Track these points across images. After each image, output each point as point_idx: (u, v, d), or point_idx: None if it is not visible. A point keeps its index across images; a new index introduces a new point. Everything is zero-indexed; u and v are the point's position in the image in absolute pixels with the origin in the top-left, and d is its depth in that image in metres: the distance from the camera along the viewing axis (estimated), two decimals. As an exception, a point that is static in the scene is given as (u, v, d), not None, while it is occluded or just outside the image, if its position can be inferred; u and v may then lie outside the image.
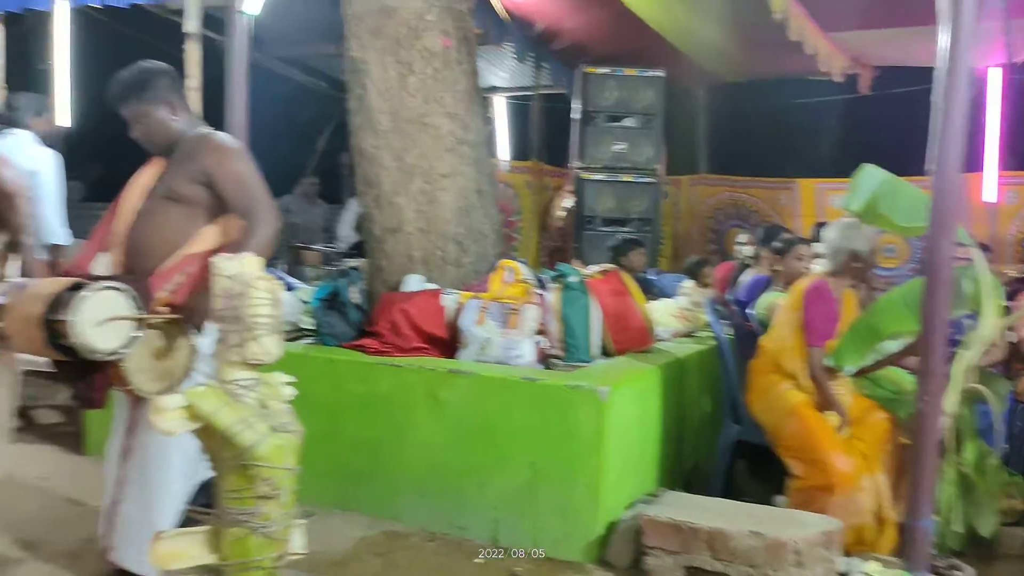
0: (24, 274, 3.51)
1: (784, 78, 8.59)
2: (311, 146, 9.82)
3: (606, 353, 3.88)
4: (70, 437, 4.51)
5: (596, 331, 3.82)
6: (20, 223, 3.52)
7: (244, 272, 2.22)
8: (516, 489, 3.32)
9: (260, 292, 2.21)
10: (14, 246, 3.55)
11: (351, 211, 7.25)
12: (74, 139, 7.96)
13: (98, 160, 8.91)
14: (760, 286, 4.61)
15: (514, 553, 3.26)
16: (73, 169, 8.41)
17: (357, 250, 6.22)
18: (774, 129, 9.82)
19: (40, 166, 4.45)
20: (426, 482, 3.50)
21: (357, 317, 4.00)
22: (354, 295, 4.06)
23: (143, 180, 2.86)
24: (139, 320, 2.54)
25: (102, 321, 2.49)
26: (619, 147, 7.37)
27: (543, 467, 3.28)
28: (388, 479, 3.58)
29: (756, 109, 9.52)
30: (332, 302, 4.00)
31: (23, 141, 4.53)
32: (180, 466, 2.74)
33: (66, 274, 2.74)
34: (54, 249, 4.40)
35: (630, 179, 7.39)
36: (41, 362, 4.13)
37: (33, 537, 3.29)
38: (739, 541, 2.90)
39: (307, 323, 4.15)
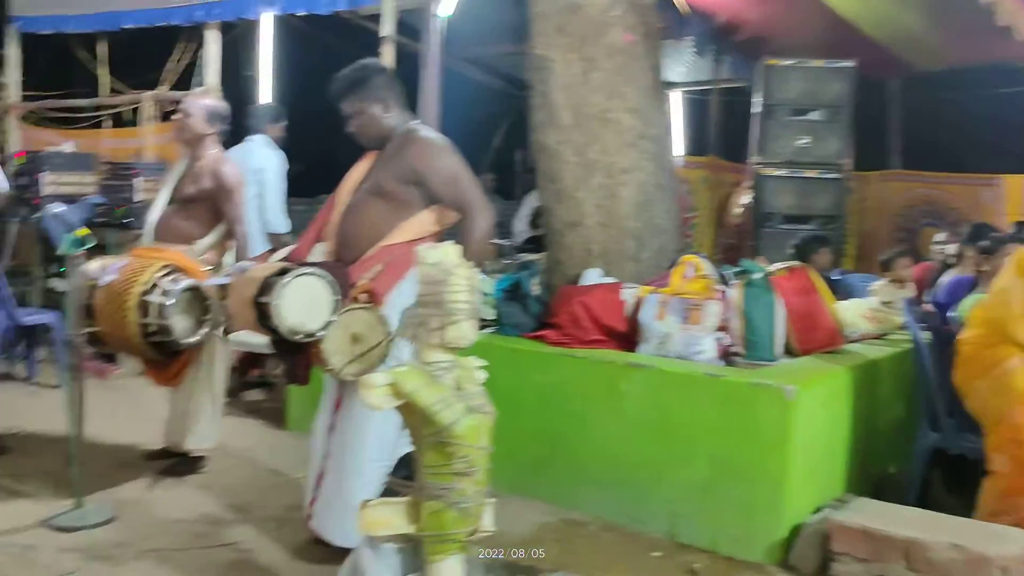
0: (238, 259, 3.85)
1: (987, 66, 7.98)
2: (488, 144, 10.08)
3: (790, 353, 3.77)
4: (272, 413, 4.88)
5: (780, 329, 3.72)
6: (236, 214, 3.85)
7: (445, 260, 2.33)
8: (695, 485, 3.29)
9: (459, 279, 2.31)
10: (230, 234, 3.89)
11: (527, 207, 7.39)
12: (240, 136, 8.60)
13: (295, 159, 9.53)
14: (963, 287, 4.33)
15: (692, 549, 3.24)
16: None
17: (531, 245, 6.35)
18: (975, 121, 9.12)
19: (267, 165, 5.23)
20: (604, 473, 3.53)
21: (537, 308, 4.09)
22: (535, 287, 4.15)
23: (357, 174, 3.05)
24: (336, 305, 2.73)
25: (301, 305, 2.71)
26: (803, 142, 7.09)
27: (724, 464, 3.23)
28: (566, 468, 3.64)
29: (955, 100, 8.89)
30: (513, 293, 4.12)
31: (257, 144, 5.30)
32: (374, 447, 2.92)
33: (283, 260, 2.97)
34: (275, 238, 4.97)
35: (814, 175, 7.09)
36: (251, 343, 4.51)
37: (243, 502, 3.59)
38: (938, 553, 2.75)
39: (488, 313, 4.29)
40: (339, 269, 2.86)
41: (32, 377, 5.47)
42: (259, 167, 5.26)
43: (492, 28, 7.29)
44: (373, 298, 2.81)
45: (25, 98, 7.11)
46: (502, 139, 10.08)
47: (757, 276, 3.78)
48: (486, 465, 2.32)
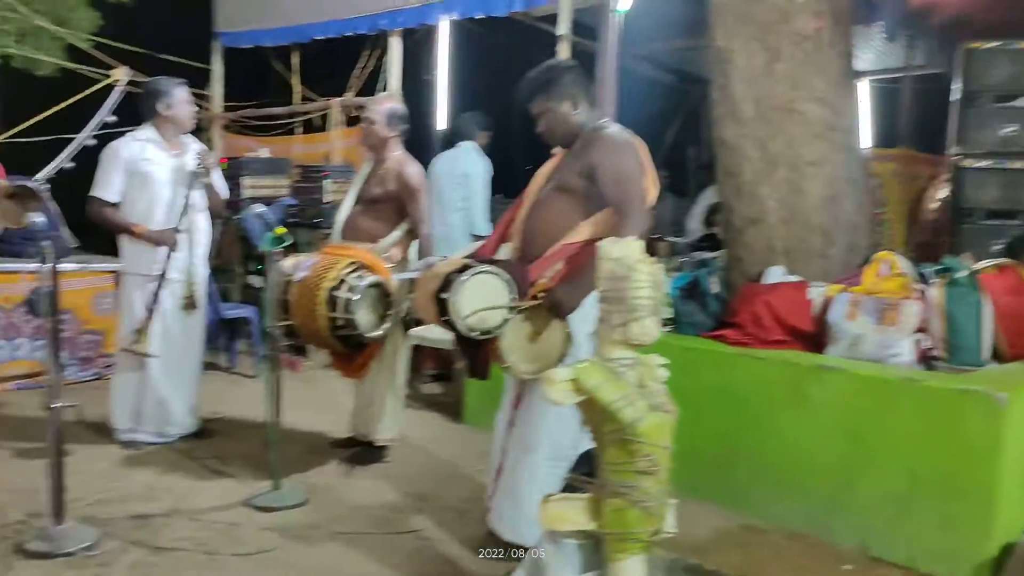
0: (421, 256, 3.98)
1: None
2: (659, 140, 9.92)
3: (997, 357, 3.47)
4: (450, 406, 5.02)
5: (988, 331, 3.42)
6: (419, 214, 3.98)
7: (628, 255, 2.30)
8: (890, 496, 3.09)
9: (642, 275, 2.27)
10: (413, 232, 4.03)
11: (701, 204, 7.22)
12: (451, 142, 8.86)
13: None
14: None
15: (886, 564, 3.04)
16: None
17: (706, 242, 6.19)
18: None
19: (473, 171, 5.65)
20: (787, 479, 3.39)
21: (716, 307, 3.98)
22: (713, 285, 4.04)
23: (544, 172, 3.07)
24: (512, 303, 2.75)
25: (478, 301, 2.75)
26: (1009, 130, 6.49)
27: (923, 475, 3.02)
28: (746, 472, 3.51)
29: None
30: (691, 291, 4.02)
31: (464, 150, 5.74)
32: (551, 445, 2.92)
33: (468, 258, 3.02)
34: (478, 239, 5.21)
35: (1021, 166, 6.49)
36: (432, 338, 4.65)
37: (423, 492, 3.71)
38: None
39: (665, 312, 4.21)
40: (518, 267, 2.88)
41: (233, 367, 5.89)
42: (466, 172, 5.70)
43: (665, 23, 7.15)
44: (550, 297, 2.81)
45: (226, 108, 7.68)
46: (675, 135, 9.89)
47: (962, 274, 3.50)
48: (669, 464, 2.27)
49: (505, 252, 3.07)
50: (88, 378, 5.33)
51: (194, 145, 4.25)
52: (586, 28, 6.08)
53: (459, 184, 5.71)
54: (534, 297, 2.81)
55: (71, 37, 7.10)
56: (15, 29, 6.95)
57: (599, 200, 2.85)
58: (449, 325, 2.85)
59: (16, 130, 6.06)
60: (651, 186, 2.88)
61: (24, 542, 3.02)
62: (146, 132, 4.15)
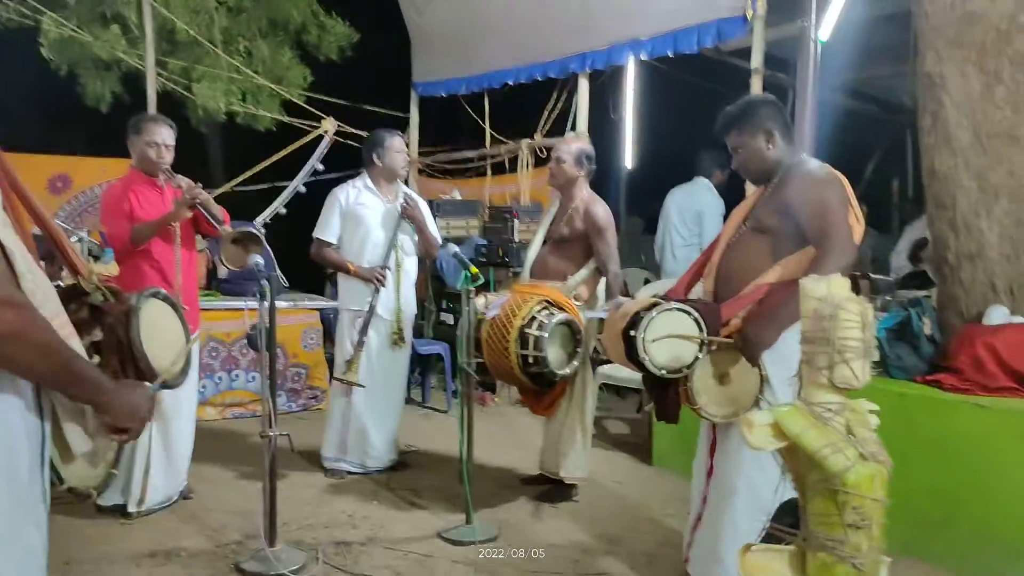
0: (608, 296, 3.97)
1: None
2: (859, 173, 9.43)
3: None
4: (637, 447, 4.94)
5: None
6: (607, 253, 3.97)
7: (833, 293, 2.17)
8: None
9: (850, 314, 2.14)
10: (601, 271, 4.03)
11: (906, 239, 6.78)
12: (636, 179, 8.84)
13: (658, 195, 9.70)
14: None
15: None
16: (635, 205, 9.35)
17: (912, 280, 5.78)
18: None
19: (707, 210, 5.72)
20: (1016, 541, 3.06)
21: (929, 350, 3.69)
22: (926, 326, 3.75)
23: (740, 211, 2.98)
24: (700, 343, 2.67)
25: (666, 340, 2.68)
26: None
27: None
28: (968, 531, 3.21)
29: None
30: (901, 333, 3.75)
31: (700, 187, 5.82)
32: (750, 495, 2.78)
33: (663, 298, 2.96)
34: None
35: None
36: (618, 376, 4.62)
37: (613, 534, 3.65)
38: None
39: (872, 354, 3.95)
40: (710, 306, 2.80)
41: (426, 401, 6.11)
42: (700, 210, 5.77)
43: (863, 50, 6.83)
44: (741, 338, 2.71)
45: (420, 153, 8.07)
46: (875, 167, 9.38)
47: None
48: (882, 519, 2.10)
49: (698, 293, 3.00)
50: (295, 409, 5.70)
51: (405, 190, 4.49)
52: (777, 60, 5.89)
53: (692, 220, 5.77)
54: (727, 336, 2.72)
55: (286, 93, 7.73)
56: (239, 89, 7.66)
57: (796, 239, 2.72)
58: (638, 364, 2.80)
59: (238, 180, 6.64)
60: (855, 222, 2.71)
61: (241, 562, 3.24)
62: (363, 179, 4.47)
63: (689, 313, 2.71)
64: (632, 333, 2.77)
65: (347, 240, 4.41)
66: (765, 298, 2.75)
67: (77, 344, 1.46)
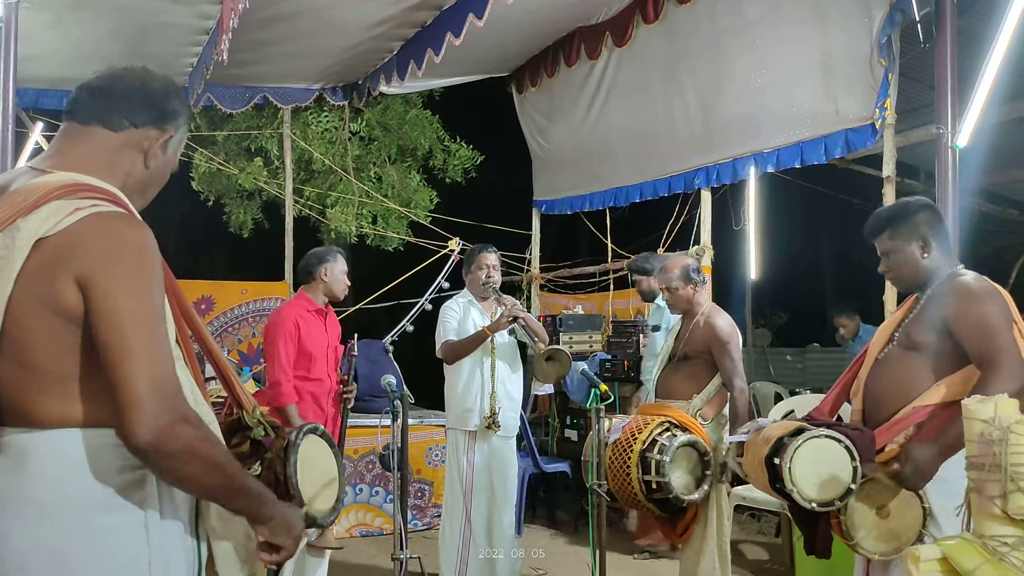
0: (732, 413, 3.80)
1: None
2: (1003, 278, 8.95)
3: None
4: (777, 575, 4.64)
5: None
6: (731, 367, 3.82)
7: (1002, 415, 2.01)
8: None
9: (1022, 438, 1.97)
10: (726, 386, 3.87)
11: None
12: (761, 289, 8.65)
13: (782, 309, 9.45)
14: None
15: None
16: (761, 317, 9.12)
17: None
18: None
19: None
20: None
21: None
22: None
23: (889, 324, 2.81)
24: (854, 472, 2.48)
25: (815, 469, 2.51)
26: None
27: None
28: None
29: None
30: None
31: None
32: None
33: (807, 420, 2.81)
34: None
35: None
36: (754, 497, 4.38)
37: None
38: None
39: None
40: (862, 432, 2.61)
41: (552, 520, 5.95)
42: None
43: (1000, 153, 6.57)
44: (905, 466, 2.50)
45: (542, 269, 8.17)
46: (1018, 274, 8.87)
47: None
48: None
49: (847, 414, 2.83)
50: (420, 528, 5.66)
51: (507, 299, 4.47)
52: (905, 167, 5.72)
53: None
54: (884, 464, 2.52)
55: (413, 215, 8.06)
56: (369, 212, 8.04)
57: (955, 358, 2.53)
58: (783, 494, 2.63)
59: (369, 299, 6.88)
60: (1019, 336, 2.52)
61: None
62: (464, 294, 4.55)
63: (840, 440, 2.53)
64: (776, 461, 2.60)
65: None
66: (926, 421, 2.56)
67: None
